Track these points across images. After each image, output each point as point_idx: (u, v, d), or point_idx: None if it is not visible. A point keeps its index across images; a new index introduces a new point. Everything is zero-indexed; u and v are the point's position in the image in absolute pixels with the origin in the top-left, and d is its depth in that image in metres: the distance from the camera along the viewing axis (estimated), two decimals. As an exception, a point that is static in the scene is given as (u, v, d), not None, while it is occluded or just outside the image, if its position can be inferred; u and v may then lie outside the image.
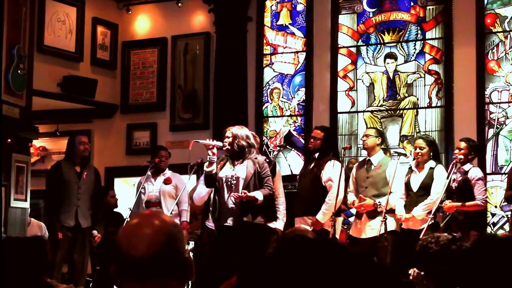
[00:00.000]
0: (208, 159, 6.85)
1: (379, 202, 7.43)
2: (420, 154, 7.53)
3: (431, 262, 3.62)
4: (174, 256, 1.99)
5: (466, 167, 7.40)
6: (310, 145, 7.76)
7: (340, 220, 7.71)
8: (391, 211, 7.40)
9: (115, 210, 9.36)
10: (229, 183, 6.82)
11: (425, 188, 7.46)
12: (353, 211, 7.94)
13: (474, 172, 7.40)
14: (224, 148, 6.87)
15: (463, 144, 7.44)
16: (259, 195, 6.71)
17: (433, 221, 7.18)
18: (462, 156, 7.37)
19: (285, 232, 6.45)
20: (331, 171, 7.47)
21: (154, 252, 1.95)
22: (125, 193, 10.01)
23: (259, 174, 6.80)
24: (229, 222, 6.76)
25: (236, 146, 6.84)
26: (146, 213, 2.25)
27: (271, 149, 9.93)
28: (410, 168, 7.65)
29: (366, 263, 1.38)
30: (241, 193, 6.65)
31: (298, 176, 7.90)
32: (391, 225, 7.40)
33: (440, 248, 3.61)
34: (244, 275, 1.37)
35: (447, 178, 7.37)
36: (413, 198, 7.50)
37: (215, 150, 6.84)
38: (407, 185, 7.56)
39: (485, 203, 7.47)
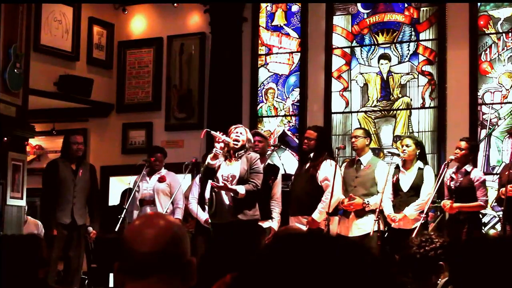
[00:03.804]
0: (214, 151, 6.91)
1: (367, 201, 7.48)
2: (406, 151, 7.56)
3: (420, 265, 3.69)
4: (177, 256, 2.07)
5: (468, 167, 7.43)
6: (304, 146, 7.76)
7: (336, 219, 7.70)
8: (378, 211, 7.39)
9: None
10: (225, 182, 6.88)
11: (416, 189, 7.47)
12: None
13: (477, 174, 7.45)
14: (232, 145, 6.91)
15: (464, 144, 7.45)
16: (241, 189, 6.73)
17: (425, 220, 7.24)
18: (457, 155, 7.40)
19: (278, 230, 6.48)
20: (328, 171, 7.50)
21: (158, 250, 2.03)
22: (121, 191, 10.02)
23: (250, 170, 6.87)
24: (225, 219, 6.83)
25: (243, 147, 6.95)
26: (151, 214, 2.33)
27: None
28: (397, 168, 7.67)
29: (362, 257, 1.35)
30: (221, 183, 6.73)
31: (293, 176, 7.91)
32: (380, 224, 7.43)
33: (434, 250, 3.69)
34: (239, 273, 1.38)
35: (440, 178, 7.41)
36: (403, 198, 7.50)
37: (222, 145, 6.91)
38: (396, 185, 7.57)
39: (486, 204, 7.53)
